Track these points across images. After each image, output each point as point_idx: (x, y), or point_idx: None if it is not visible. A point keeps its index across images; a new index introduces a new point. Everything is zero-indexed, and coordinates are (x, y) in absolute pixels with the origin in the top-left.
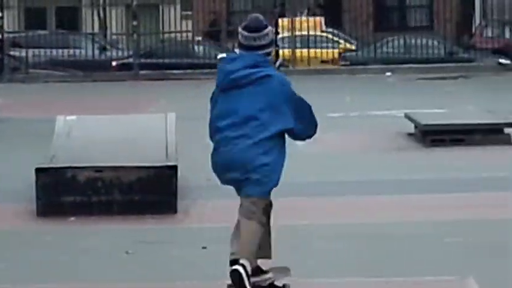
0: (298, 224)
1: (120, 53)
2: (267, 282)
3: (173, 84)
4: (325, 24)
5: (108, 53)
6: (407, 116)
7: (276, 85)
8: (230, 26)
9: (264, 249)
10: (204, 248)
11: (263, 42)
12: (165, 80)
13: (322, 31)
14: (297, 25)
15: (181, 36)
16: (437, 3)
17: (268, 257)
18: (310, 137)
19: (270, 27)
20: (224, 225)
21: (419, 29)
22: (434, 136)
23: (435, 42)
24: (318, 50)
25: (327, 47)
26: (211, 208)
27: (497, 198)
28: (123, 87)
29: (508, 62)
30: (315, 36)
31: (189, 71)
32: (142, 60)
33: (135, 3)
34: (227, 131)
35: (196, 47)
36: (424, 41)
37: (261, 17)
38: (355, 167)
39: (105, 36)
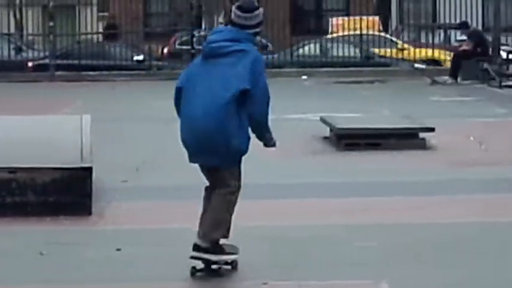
0: None
1: (36, 54)
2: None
3: (89, 85)
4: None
5: (24, 54)
6: (322, 120)
7: (250, 60)
8: (147, 28)
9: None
10: (118, 250)
11: (252, 22)
12: (81, 82)
13: (379, 31)
14: (352, 24)
15: (97, 38)
16: (354, 8)
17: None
18: (258, 122)
19: (260, 9)
20: (138, 227)
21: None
22: (349, 140)
23: (351, 46)
24: (377, 50)
25: (385, 47)
26: (126, 210)
27: (411, 203)
28: (39, 88)
29: (423, 66)
30: (373, 35)
31: (105, 72)
32: (59, 61)
33: (51, 4)
34: None
35: (112, 49)
36: (341, 44)
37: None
38: (270, 170)
39: (21, 36)
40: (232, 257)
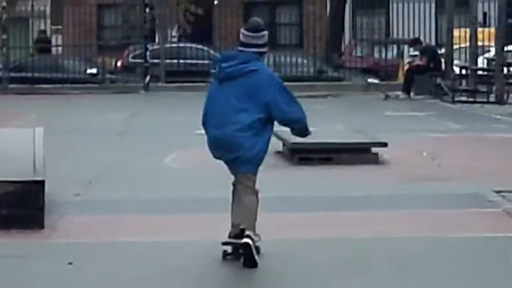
0: (157, 240)
1: None
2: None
3: (43, 98)
4: (195, 40)
5: None
6: (275, 134)
7: (265, 78)
8: (100, 41)
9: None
10: (70, 263)
11: (259, 42)
12: (35, 94)
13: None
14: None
15: (51, 51)
16: (307, 22)
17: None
18: (297, 122)
19: (266, 31)
20: (91, 240)
21: (289, 47)
22: (302, 154)
23: (305, 61)
24: None
25: None
26: (79, 223)
27: (363, 217)
28: None
29: (376, 81)
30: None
31: (58, 85)
32: (12, 74)
33: (4, 16)
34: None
35: (66, 62)
36: (294, 59)
37: (260, 21)
38: (222, 184)
39: None
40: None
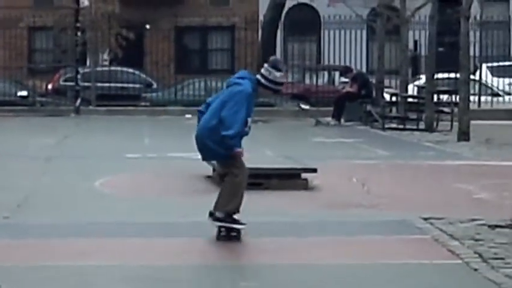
0: (85, 264)
1: None
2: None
3: None
4: (126, 64)
5: None
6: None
7: (235, 90)
8: (31, 64)
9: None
10: None
11: (270, 77)
12: None
13: None
14: None
15: None
16: (239, 48)
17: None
18: (226, 136)
19: (281, 73)
20: (18, 264)
21: (221, 72)
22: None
23: None
24: None
25: None
26: (7, 247)
27: (290, 243)
28: None
29: (307, 107)
30: None
31: None
32: None
33: None
34: None
35: None
36: (225, 84)
37: (279, 60)
38: (150, 209)
39: None
40: (239, 226)
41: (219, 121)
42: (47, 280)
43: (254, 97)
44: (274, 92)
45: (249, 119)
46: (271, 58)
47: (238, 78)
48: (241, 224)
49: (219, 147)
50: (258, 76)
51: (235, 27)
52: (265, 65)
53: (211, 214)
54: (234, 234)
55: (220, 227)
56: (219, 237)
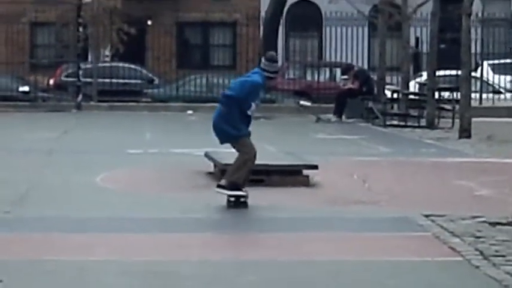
0: (85, 259)
1: None
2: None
3: None
4: (128, 60)
5: None
6: (207, 155)
7: (245, 79)
8: (33, 59)
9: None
10: (0, 281)
11: (271, 69)
12: None
13: None
14: None
15: None
16: (241, 44)
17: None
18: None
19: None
20: (19, 258)
21: (222, 68)
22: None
23: None
24: None
25: None
26: (7, 241)
27: (292, 239)
28: None
29: (308, 104)
30: None
31: None
32: None
33: None
34: None
35: None
36: (227, 80)
37: (275, 54)
38: (151, 204)
39: None
40: (239, 193)
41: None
42: (47, 274)
43: (262, 88)
44: (272, 79)
45: (253, 105)
46: (267, 54)
47: (252, 73)
48: (242, 191)
49: (232, 129)
50: (264, 72)
51: (237, 23)
52: (264, 60)
53: (218, 185)
54: (242, 200)
55: (229, 196)
56: (228, 205)
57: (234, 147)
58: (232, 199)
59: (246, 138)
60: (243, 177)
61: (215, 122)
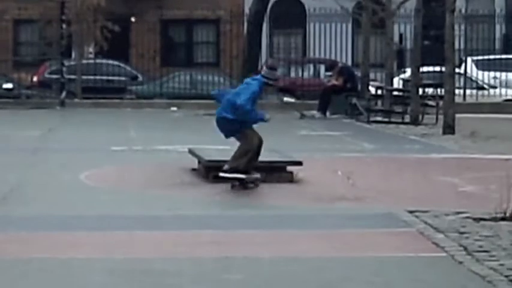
0: (70, 257)
1: None
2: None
3: None
4: (112, 57)
5: None
6: (191, 152)
7: (249, 84)
8: (16, 56)
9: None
10: None
11: (270, 76)
12: None
13: None
14: None
15: None
16: (224, 41)
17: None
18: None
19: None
20: (3, 257)
21: (206, 65)
22: (217, 172)
23: (221, 79)
24: None
25: None
26: None
27: (276, 236)
28: None
29: (292, 100)
30: None
31: None
32: None
33: None
34: None
35: None
36: (210, 77)
37: (275, 63)
38: (135, 202)
39: None
40: (240, 175)
41: (232, 107)
42: (33, 273)
43: (260, 94)
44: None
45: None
46: (269, 62)
47: (252, 79)
48: (242, 174)
49: (234, 124)
50: (264, 79)
51: (220, 20)
52: (265, 68)
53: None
54: (251, 186)
55: (233, 179)
56: (232, 187)
57: (238, 139)
58: (237, 183)
59: (248, 130)
60: (243, 164)
61: (219, 119)
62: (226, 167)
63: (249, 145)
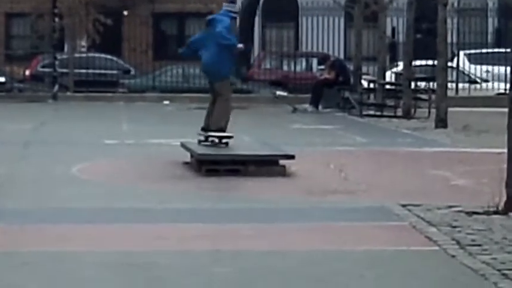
0: (62, 250)
1: None
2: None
3: None
4: (104, 50)
5: None
6: (183, 145)
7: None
8: (8, 50)
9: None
10: None
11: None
12: None
13: None
14: None
15: None
16: None
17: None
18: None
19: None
20: None
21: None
22: (209, 166)
23: None
24: None
25: None
26: None
27: (269, 229)
28: None
29: (284, 94)
30: None
31: None
32: None
33: None
34: None
35: None
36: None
37: None
38: (127, 195)
39: None
40: (227, 134)
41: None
42: (24, 266)
43: (231, 26)
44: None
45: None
46: None
47: (218, 15)
48: (230, 136)
49: (222, 69)
50: (230, 13)
51: (213, 14)
52: (226, 4)
53: (204, 129)
54: (225, 141)
55: (209, 136)
56: (200, 144)
57: (216, 87)
58: (216, 140)
59: (228, 81)
60: (228, 120)
61: (206, 63)
62: (213, 127)
63: (230, 99)
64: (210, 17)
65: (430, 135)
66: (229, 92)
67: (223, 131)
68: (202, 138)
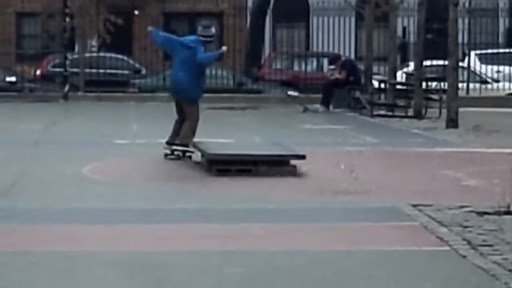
0: (71, 250)
1: None
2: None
3: None
4: (115, 50)
5: None
6: (194, 145)
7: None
8: (19, 50)
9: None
10: None
11: (205, 33)
12: None
13: None
14: None
15: None
16: (227, 34)
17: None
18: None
19: (213, 28)
20: (5, 249)
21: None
22: (220, 166)
23: (224, 73)
24: None
25: None
26: None
27: (280, 230)
28: None
29: (296, 94)
30: None
31: None
32: None
33: None
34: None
35: None
36: (213, 71)
37: (208, 22)
38: (138, 195)
39: None
40: (189, 149)
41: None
42: (34, 265)
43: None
44: (210, 42)
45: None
46: (202, 24)
47: (191, 41)
48: (191, 151)
49: (195, 90)
50: (201, 38)
51: (223, 14)
52: (200, 28)
53: (168, 143)
54: (188, 155)
55: (174, 150)
56: (166, 157)
57: (184, 107)
58: (180, 153)
59: (198, 102)
60: (192, 139)
61: (182, 82)
62: (178, 141)
63: (197, 119)
64: (185, 40)
65: (441, 136)
66: (198, 112)
67: (187, 147)
68: (168, 152)
